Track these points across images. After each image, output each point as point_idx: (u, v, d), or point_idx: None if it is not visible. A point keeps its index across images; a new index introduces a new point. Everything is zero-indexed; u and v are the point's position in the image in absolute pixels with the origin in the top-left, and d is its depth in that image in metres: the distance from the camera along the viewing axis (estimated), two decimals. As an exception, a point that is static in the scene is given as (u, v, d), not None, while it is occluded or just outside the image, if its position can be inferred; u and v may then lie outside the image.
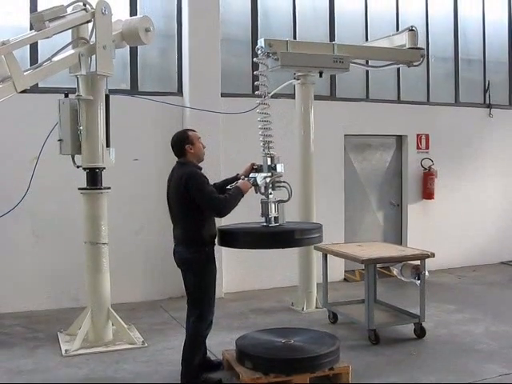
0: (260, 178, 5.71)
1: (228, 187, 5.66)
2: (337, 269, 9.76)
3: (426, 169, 11.10)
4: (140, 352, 6.52)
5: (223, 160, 9.10)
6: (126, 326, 6.94)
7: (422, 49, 7.90)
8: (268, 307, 8.53)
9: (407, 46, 8.07)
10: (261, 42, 7.05)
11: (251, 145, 9.45)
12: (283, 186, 5.80)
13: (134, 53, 8.91)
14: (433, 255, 6.98)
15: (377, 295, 7.75)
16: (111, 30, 6.61)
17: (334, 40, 10.23)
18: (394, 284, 9.35)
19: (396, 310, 7.46)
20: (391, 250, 7.54)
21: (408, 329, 7.10)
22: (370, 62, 9.08)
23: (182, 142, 5.57)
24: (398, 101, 10.96)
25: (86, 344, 6.65)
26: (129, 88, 8.96)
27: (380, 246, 8.08)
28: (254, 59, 7.18)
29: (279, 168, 5.80)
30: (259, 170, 5.82)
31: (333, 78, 10.34)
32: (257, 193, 5.80)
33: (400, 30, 9.35)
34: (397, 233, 11.28)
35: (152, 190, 8.93)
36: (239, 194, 5.45)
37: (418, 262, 7.03)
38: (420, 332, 6.96)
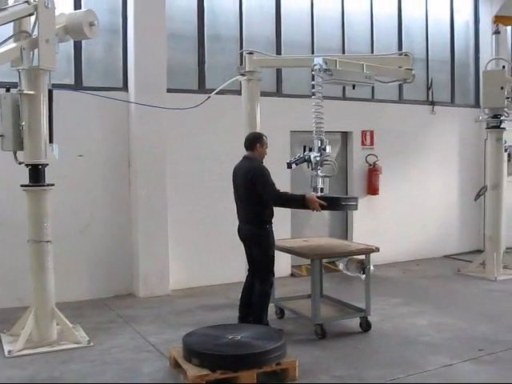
0: (312, 156, 7.01)
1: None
2: (283, 264, 9.79)
3: (370, 165, 11.25)
4: (86, 351, 6.41)
5: (168, 156, 9.04)
6: (70, 325, 6.82)
7: (413, 69, 8.39)
8: (216, 303, 8.50)
9: (404, 67, 8.37)
10: (317, 61, 7.22)
11: (197, 140, 9.50)
12: (329, 164, 7.18)
13: (78, 47, 8.74)
14: (377, 250, 7.09)
15: (323, 290, 7.82)
16: (54, 24, 6.46)
17: (281, 37, 10.35)
18: (340, 278, 9.42)
19: (342, 304, 7.54)
20: (337, 245, 7.63)
21: (354, 323, 7.19)
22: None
23: (257, 140, 6.91)
24: (343, 98, 11.06)
25: (30, 344, 6.48)
26: (73, 83, 8.79)
27: (326, 241, 8.16)
28: (313, 72, 7.35)
29: (328, 149, 7.08)
30: (311, 149, 7.08)
31: (279, 74, 10.38)
32: (308, 168, 7.15)
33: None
34: (342, 228, 11.41)
35: (97, 186, 8.85)
36: (298, 200, 6.73)
37: (362, 257, 7.12)
38: (366, 326, 7.06)
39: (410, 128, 11.71)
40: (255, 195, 6.61)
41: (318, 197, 6.74)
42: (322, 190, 7.09)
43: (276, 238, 6.89)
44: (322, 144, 7.08)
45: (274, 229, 6.84)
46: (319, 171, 7.08)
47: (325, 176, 7.13)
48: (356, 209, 7.31)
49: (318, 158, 7.03)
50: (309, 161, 7.09)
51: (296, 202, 6.84)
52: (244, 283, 7.14)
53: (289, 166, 7.13)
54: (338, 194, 7.67)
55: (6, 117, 6.46)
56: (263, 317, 6.75)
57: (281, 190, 6.74)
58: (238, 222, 7.01)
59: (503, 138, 10.24)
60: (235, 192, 6.98)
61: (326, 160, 7.12)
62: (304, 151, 7.17)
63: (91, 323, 7.45)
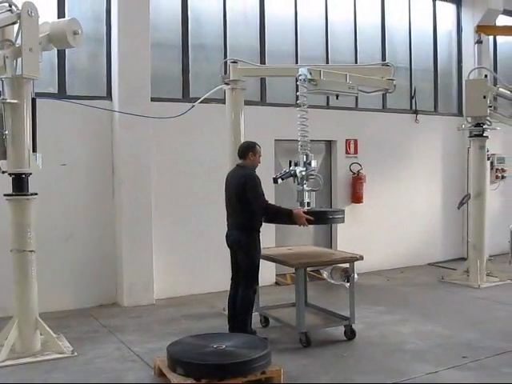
0: (298, 170, 7.12)
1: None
2: (268, 273, 9.81)
3: (354, 173, 11.31)
4: (70, 362, 6.36)
5: (154, 165, 9.03)
6: (54, 335, 6.78)
7: (394, 79, 8.41)
8: (200, 313, 8.49)
9: (386, 78, 8.41)
10: (302, 71, 7.27)
11: (181, 149, 9.50)
12: (315, 178, 7.31)
13: (61, 56, 8.74)
14: (361, 258, 7.14)
15: (307, 298, 7.83)
16: (38, 33, 6.44)
17: (265, 46, 10.41)
18: (324, 287, 9.46)
19: (326, 312, 7.56)
20: (321, 254, 7.67)
21: (339, 331, 7.20)
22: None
23: (249, 149, 7.01)
24: (327, 106, 11.12)
25: (13, 355, 6.43)
26: (56, 92, 8.77)
27: (310, 249, 8.19)
28: (298, 82, 7.43)
29: (313, 164, 7.21)
30: (297, 164, 7.20)
31: (263, 83, 10.42)
32: (294, 182, 7.25)
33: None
34: (327, 236, 11.43)
35: (81, 195, 8.82)
36: (285, 214, 6.86)
37: (347, 265, 7.15)
38: (350, 334, 7.07)
39: (393, 136, 11.80)
40: (246, 202, 6.70)
41: (304, 212, 6.82)
42: (308, 204, 7.20)
43: (261, 246, 6.92)
44: (307, 159, 7.19)
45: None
46: (305, 185, 7.20)
47: (311, 190, 7.25)
48: (343, 222, 7.44)
49: (303, 173, 7.14)
50: (295, 175, 7.18)
51: (283, 215, 6.93)
52: (229, 294, 7.13)
53: (275, 181, 7.22)
54: (323, 208, 7.81)
55: (-11, 126, 6.43)
56: (247, 323, 6.81)
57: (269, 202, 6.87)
58: (224, 230, 7.05)
59: (486, 147, 10.33)
60: (227, 199, 7.05)
61: (312, 174, 7.24)
62: (290, 166, 7.27)
63: (75, 333, 7.42)
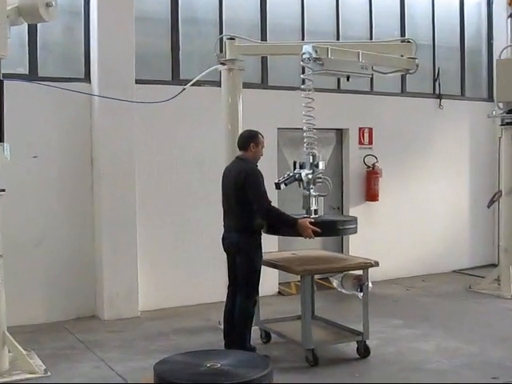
0: (304, 174, 7.07)
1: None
2: (270, 281, 9.79)
3: (369, 167, 11.30)
4: (42, 382, 6.37)
5: (138, 156, 9.03)
6: (24, 352, 6.77)
7: (417, 58, 8.37)
8: (192, 326, 8.50)
9: (407, 56, 8.38)
10: (306, 49, 7.20)
11: (170, 139, 9.48)
12: (323, 182, 7.26)
13: (33, 31, 8.72)
14: (377, 264, 7.14)
15: (315, 310, 7.85)
16: (5, 5, 6.44)
17: (266, 20, 10.39)
18: (334, 297, 9.45)
19: (336, 326, 7.57)
20: (330, 259, 7.67)
21: (350, 347, 7.21)
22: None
23: (250, 139, 7.01)
24: (338, 90, 11.10)
25: (-22, 375, 6.48)
26: (27, 72, 8.77)
27: (318, 254, 8.16)
28: (301, 62, 7.32)
29: (321, 165, 7.18)
30: (302, 166, 7.16)
31: (264, 62, 10.41)
32: (300, 187, 7.18)
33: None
34: (337, 239, 11.39)
35: (55, 191, 8.81)
36: (289, 222, 6.83)
37: (360, 272, 7.15)
38: (364, 351, 7.08)
39: (414, 124, 11.79)
40: (245, 201, 6.69)
41: (311, 222, 6.77)
42: (316, 211, 7.18)
43: (262, 250, 6.92)
44: (314, 160, 7.17)
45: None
46: (312, 190, 7.16)
47: (319, 195, 7.22)
48: (355, 232, 7.44)
49: (310, 176, 7.11)
50: (300, 180, 7.14)
51: (286, 223, 6.89)
52: (225, 305, 7.15)
53: (277, 186, 7.15)
54: (333, 207, 7.69)
55: (-51, 112, 6.44)
56: (246, 339, 6.84)
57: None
58: (220, 232, 7.04)
59: (520, 136, 10.33)
60: (223, 196, 7.07)
61: (319, 178, 7.21)
62: (294, 168, 7.25)
63: (48, 350, 7.43)
